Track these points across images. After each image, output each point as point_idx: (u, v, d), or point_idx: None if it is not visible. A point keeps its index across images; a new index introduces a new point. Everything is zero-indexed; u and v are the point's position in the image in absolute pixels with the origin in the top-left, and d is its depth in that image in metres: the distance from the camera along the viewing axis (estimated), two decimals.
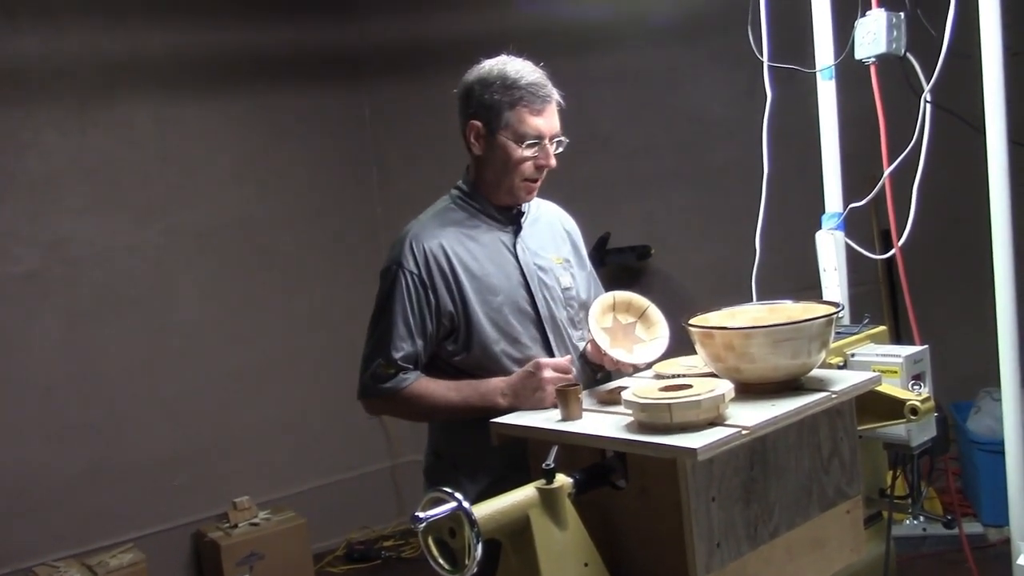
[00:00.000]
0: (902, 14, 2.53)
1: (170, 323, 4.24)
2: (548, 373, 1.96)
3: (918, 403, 1.90)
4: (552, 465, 1.61)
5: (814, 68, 2.75)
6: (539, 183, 2.15)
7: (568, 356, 2.09)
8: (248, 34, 4.45)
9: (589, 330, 2.05)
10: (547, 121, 2.08)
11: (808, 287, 2.77)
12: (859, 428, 1.91)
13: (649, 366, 2.07)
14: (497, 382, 2.04)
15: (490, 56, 2.15)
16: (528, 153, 2.07)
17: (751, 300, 2.60)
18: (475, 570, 1.50)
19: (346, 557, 4.49)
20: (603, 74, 4.61)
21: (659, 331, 2.08)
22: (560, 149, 2.12)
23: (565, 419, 1.81)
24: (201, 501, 4.25)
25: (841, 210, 2.77)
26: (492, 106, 2.06)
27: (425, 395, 2.06)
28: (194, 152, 4.33)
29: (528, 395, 1.97)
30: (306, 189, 4.65)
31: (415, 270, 2.06)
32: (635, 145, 4.63)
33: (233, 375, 4.38)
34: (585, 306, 2.20)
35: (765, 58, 2.80)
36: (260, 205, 4.50)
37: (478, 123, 2.09)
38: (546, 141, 2.08)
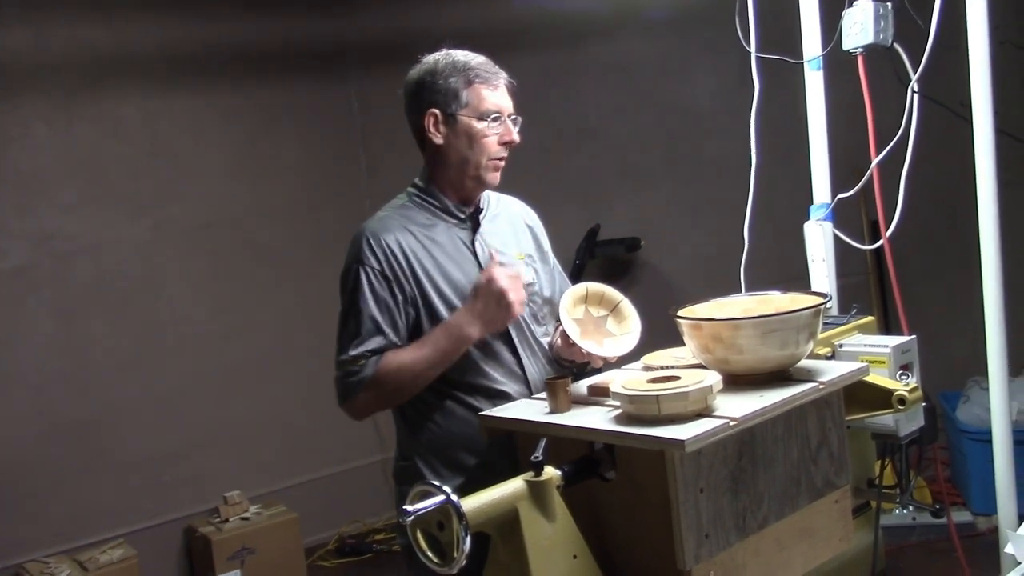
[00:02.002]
0: (889, 4, 2.53)
1: (160, 318, 4.23)
2: (502, 283, 1.93)
3: (906, 393, 1.90)
4: (540, 458, 1.61)
5: (802, 59, 2.76)
6: (503, 163, 2.13)
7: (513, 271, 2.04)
8: (235, 27, 4.43)
9: (558, 322, 2.01)
10: (503, 98, 2.11)
11: (796, 278, 2.77)
12: (847, 418, 1.91)
13: (619, 360, 2.05)
14: (458, 316, 1.99)
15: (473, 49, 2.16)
16: (491, 129, 2.08)
17: (740, 291, 2.60)
18: (464, 563, 1.50)
19: (337, 551, 4.50)
20: (593, 66, 4.61)
21: (630, 326, 2.05)
22: (517, 128, 2.13)
23: (553, 411, 1.81)
24: (192, 496, 4.24)
25: (829, 201, 2.77)
26: (448, 90, 2.07)
27: (398, 366, 2.00)
28: (182, 146, 4.32)
29: (495, 315, 1.95)
30: (295, 183, 4.64)
31: (376, 265, 2.03)
32: (625, 137, 4.63)
33: (223, 369, 4.38)
34: (549, 302, 2.19)
35: (753, 49, 2.79)
36: (249, 199, 4.49)
37: (436, 111, 2.08)
38: (506, 117, 2.10)
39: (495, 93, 2.09)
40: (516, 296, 1.95)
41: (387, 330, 2.02)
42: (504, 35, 4.18)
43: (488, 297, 1.96)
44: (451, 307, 2.05)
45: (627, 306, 2.08)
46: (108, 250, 4.10)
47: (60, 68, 3.98)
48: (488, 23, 4.48)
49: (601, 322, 2.06)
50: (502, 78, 2.12)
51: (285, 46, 4.57)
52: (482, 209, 2.19)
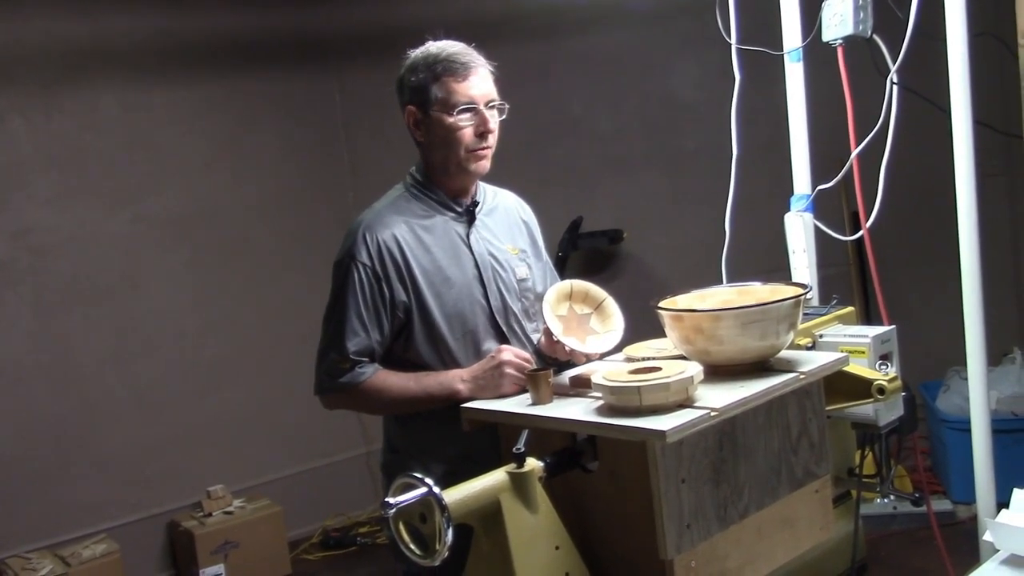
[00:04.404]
0: None
1: (141, 312, 4.20)
2: (508, 356, 1.95)
3: (885, 383, 1.91)
4: (523, 449, 1.61)
5: (782, 51, 2.76)
6: (488, 152, 2.11)
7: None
8: (215, 18, 4.40)
9: (543, 317, 2.02)
10: (476, 87, 2.06)
11: (777, 269, 2.78)
12: (827, 408, 1.91)
13: (600, 358, 2.05)
14: (456, 371, 2.03)
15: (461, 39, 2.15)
16: (463, 121, 2.05)
17: (721, 282, 2.60)
18: (446, 555, 1.50)
19: (322, 544, 4.50)
20: (574, 58, 4.61)
21: (614, 324, 2.05)
22: (502, 116, 2.12)
23: (535, 403, 1.81)
24: (175, 490, 4.23)
25: (809, 192, 2.78)
26: (419, 86, 2.07)
27: (384, 388, 2.04)
28: (162, 139, 4.29)
29: (488, 382, 1.96)
30: (277, 175, 4.62)
31: (368, 262, 2.03)
32: (607, 129, 4.63)
33: (206, 363, 4.36)
34: (541, 298, 2.19)
35: (733, 41, 2.80)
36: (230, 192, 4.47)
37: (413, 108, 2.09)
38: (480, 107, 2.07)
39: (465, 84, 2.05)
40: (515, 378, 1.93)
41: (371, 329, 2.03)
42: (485, 27, 4.17)
43: (491, 364, 1.97)
44: (444, 304, 2.05)
45: (611, 304, 2.08)
46: (87, 244, 4.07)
47: (37, 59, 3.95)
48: (470, 15, 4.46)
49: (585, 320, 2.06)
50: (474, 67, 2.07)
51: (267, 37, 4.55)
52: (478, 203, 2.18)
